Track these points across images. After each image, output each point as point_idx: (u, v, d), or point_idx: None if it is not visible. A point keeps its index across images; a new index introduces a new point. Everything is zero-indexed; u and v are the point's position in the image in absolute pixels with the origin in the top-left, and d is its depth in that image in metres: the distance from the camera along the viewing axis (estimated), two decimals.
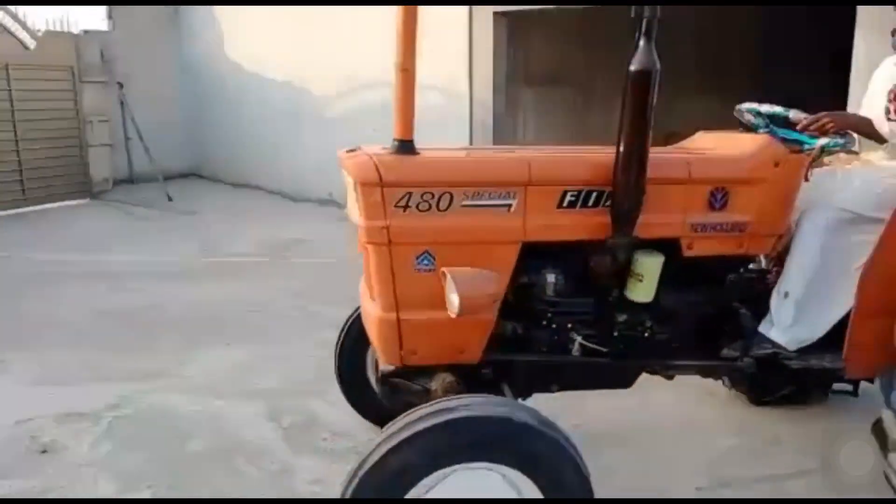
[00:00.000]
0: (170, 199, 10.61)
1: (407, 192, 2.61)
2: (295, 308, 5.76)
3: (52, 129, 10.37)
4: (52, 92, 10.42)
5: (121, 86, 11.30)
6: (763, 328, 3.05)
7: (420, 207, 2.63)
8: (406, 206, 2.62)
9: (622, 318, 2.94)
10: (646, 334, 2.97)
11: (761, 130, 3.10)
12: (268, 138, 11.09)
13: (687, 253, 2.88)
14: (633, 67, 2.51)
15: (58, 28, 11.08)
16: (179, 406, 4.04)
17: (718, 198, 2.89)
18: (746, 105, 3.17)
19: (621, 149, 2.59)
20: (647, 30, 2.51)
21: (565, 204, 2.73)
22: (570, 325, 2.91)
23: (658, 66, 2.52)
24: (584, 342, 2.90)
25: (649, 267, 2.84)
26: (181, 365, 4.66)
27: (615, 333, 2.94)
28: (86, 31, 11.24)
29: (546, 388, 3.05)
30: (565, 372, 2.97)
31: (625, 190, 2.63)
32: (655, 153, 2.78)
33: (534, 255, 2.79)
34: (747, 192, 2.91)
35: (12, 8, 9.92)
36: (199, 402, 4.08)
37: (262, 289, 6.34)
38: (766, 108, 3.14)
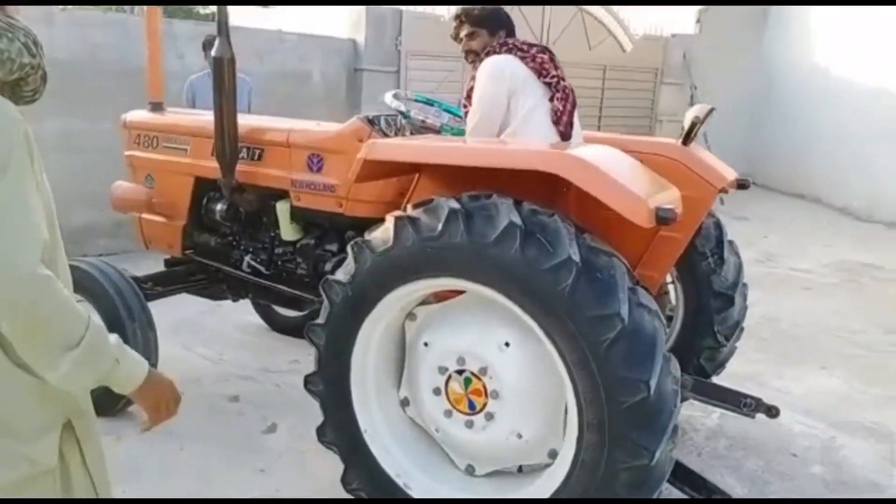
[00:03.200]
0: (721, 202, 11.42)
1: (137, 133, 4.04)
2: (891, 344, 5.26)
3: (627, 125, 10.33)
4: (635, 91, 10.93)
5: (695, 87, 11.28)
6: None
7: (144, 145, 4.02)
8: (138, 143, 4.05)
9: (279, 250, 3.76)
10: (294, 267, 3.71)
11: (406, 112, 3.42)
12: (842, 150, 10.29)
13: (296, 204, 3.53)
14: (213, 55, 3.40)
15: (653, 32, 11.36)
16: (788, 423, 3.79)
17: (315, 161, 3.44)
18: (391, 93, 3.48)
19: (217, 116, 3.49)
20: (221, 27, 3.35)
21: (213, 153, 3.72)
22: (243, 247, 3.88)
23: (231, 54, 3.36)
24: (251, 262, 3.83)
25: (279, 211, 3.64)
26: (778, 378, 4.46)
27: (277, 262, 3.78)
28: (674, 35, 11.44)
29: (245, 295, 4.09)
30: (251, 286, 3.93)
31: (221, 146, 3.51)
32: (264, 122, 3.62)
33: (212, 188, 3.85)
34: (337, 160, 3.37)
35: (615, 9, 10.50)
36: (808, 425, 3.88)
37: (840, 312, 5.92)
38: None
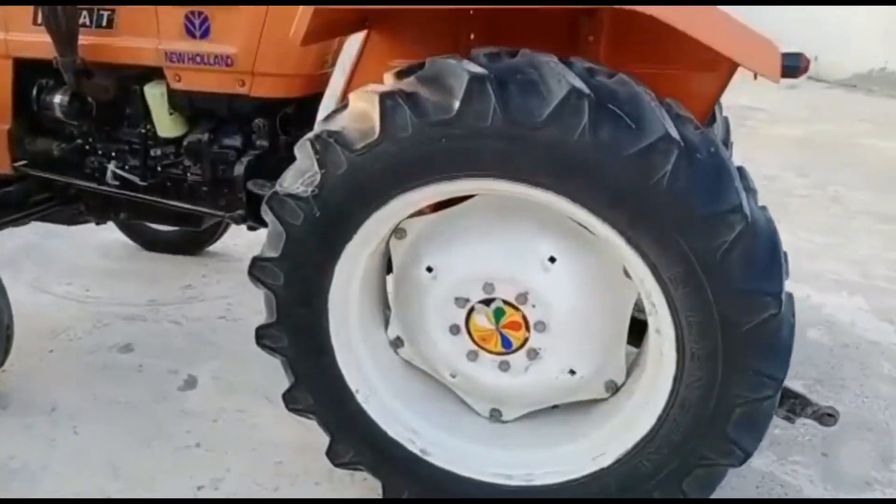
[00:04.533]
0: None
1: None
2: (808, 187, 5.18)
3: None
4: None
5: None
6: None
7: None
8: None
9: (156, 152, 2.77)
10: (181, 172, 2.77)
11: None
12: None
13: (175, 85, 2.57)
14: None
15: None
16: None
17: (197, 24, 2.46)
18: None
19: None
20: None
21: (40, 21, 2.59)
22: (102, 152, 2.85)
23: None
24: (118, 171, 2.82)
25: (150, 98, 2.64)
26: None
27: (156, 169, 2.80)
28: None
29: (114, 217, 3.11)
30: (122, 204, 2.94)
31: (51, 10, 2.43)
32: None
33: (43, 73, 2.74)
34: (231, 19, 2.43)
35: None
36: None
37: (749, 158, 5.25)
38: None
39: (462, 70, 1.62)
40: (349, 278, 1.89)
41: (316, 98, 2.64)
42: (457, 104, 1.60)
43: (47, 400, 2.70)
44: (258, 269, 1.89)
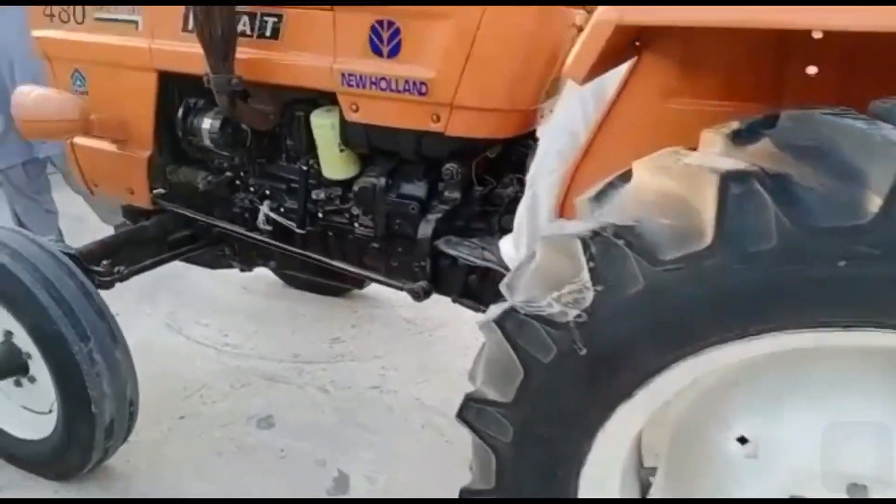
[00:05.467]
0: None
1: None
2: None
3: None
4: None
5: None
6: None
7: (62, 17, 2.39)
8: (52, 17, 2.42)
9: (320, 195, 2.24)
10: (347, 222, 2.22)
11: None
12: None
13: (351, 116, 2.00)
14: None
15: None
16: None
17: (386, 38, 1.88)
18: None
19: None
20: None
21: (190, 27, 2.10)
22: (255, 190, 2.35)
23: None
24: (272, 215, 2.32)
25: (317, 129, 2.11)
26: None
27: (317, 214, 2.26)
28: None
29: (264, 264, 2.62)
30: (274, 253, 2.45)
31: (205, 15, 1.92)
32: None
33: (193, 92, 2.27)
34: (427, 32, 1.82)
35: None
36: None
37: None
38: None
39: (884, 140, 0.91)
40: (617, 447, 1.22)
41: (523, 139, 2.02)
42: (877, 203, 0.90)
43: (172, 492, 2.20)
44: (472, 412, 1.26)
